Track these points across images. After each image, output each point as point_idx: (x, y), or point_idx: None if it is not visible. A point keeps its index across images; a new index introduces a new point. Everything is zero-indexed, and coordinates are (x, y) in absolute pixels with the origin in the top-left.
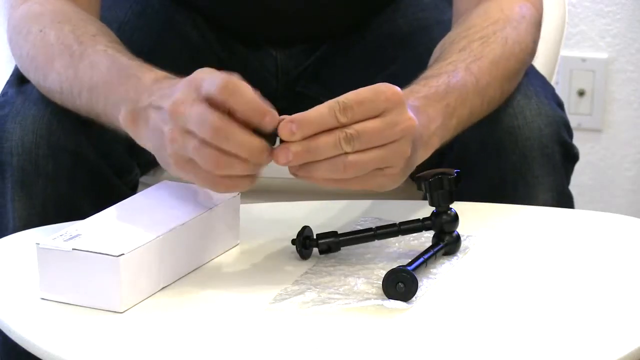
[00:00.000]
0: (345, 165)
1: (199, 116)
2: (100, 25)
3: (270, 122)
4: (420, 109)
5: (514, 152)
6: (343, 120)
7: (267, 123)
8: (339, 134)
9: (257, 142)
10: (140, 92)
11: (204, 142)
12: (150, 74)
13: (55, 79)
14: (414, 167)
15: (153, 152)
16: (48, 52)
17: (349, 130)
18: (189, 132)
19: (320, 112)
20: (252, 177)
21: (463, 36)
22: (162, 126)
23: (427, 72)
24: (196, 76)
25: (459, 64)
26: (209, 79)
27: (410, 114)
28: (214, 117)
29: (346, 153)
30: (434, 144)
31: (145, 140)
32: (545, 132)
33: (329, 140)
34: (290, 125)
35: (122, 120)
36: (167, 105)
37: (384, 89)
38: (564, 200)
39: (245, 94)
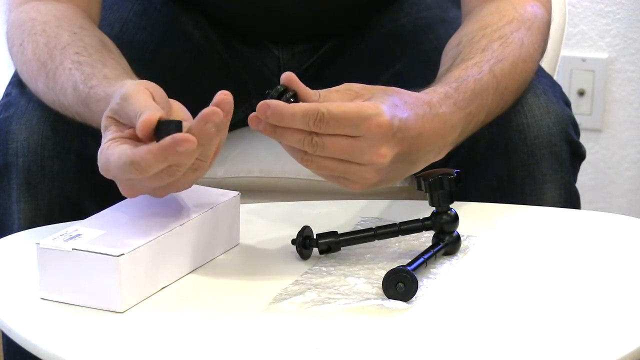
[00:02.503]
0: (304, 159)
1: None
2: (76, 30)
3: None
4: (447, 117)
5: (523, 149)
6: (314, 129)
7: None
8: (305, 137)
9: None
10: (97, 126)
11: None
12: (99, 105)
13: (44, 98)
14: (397, 180)
15: None
16: (29, 69)
17: (316, 138)
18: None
19: (294, 114)
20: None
21: (482, 35)
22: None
23: (456, 72)
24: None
25: (484, 65)
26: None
27: (385, 149)
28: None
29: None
30: (447, 150)
31: None
32: (553, 131)
33: (295, 137)
34: (266, 109)
35: None
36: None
37: (372, 116)
38: (571, 198)
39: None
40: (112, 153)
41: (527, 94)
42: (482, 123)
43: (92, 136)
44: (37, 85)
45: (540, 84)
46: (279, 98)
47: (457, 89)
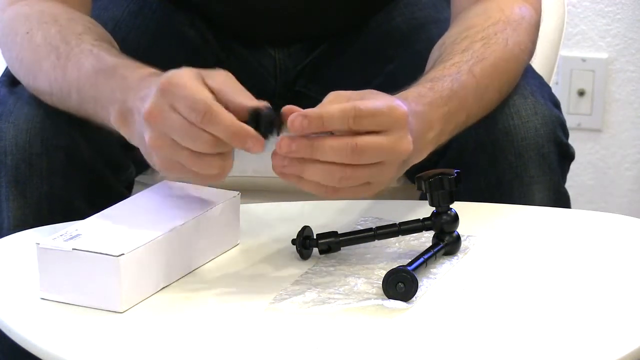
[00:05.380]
0: (342, 177)
1: (181, 129)
2: (87, 23)
3: (252, 146)
4: (424, 115)
5: (510, 152)
6: (354, 127)
7: (249, 148)
8: (348, 142)
9: (246, 131)
10: (126, 91)
11: (194, 152)
12: (135, 72)
13: (45, 80)
14: (390, 183)
15: (142, 152)
16: (35, 54)
17: (359, 142)
18: (174, 141)
19: (333, 114)
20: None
21: (464, 36)
22: (142, 132)
23: (432, 73)
24: (169, 87)
25: (462, 65)
26: (183, 98)
27: (410, 137)
28: (198, 131)
29: (344, 164)
30: (428, 150)
31: (134, 139)
32: (541, 132)
33: (335, 145)
34: (302, 119)
35: (113, 121)
36: (143, 111)
37: (397, 107)
38: (560, 199)
39: (223, 121)
40: (177, 120)
41: (514, 96)
42: (464, 123)
43: (80, 133)
44: (41, 67)
45: (528, 85)
46: (270, 125)
47: (432, 88)
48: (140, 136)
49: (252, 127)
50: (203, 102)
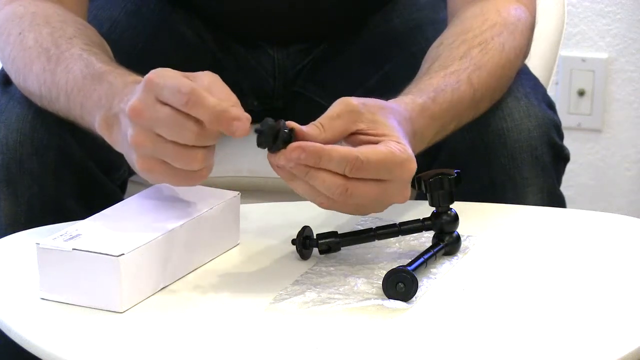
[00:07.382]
0: (325, 204)
1: (167, 119)
2: (79, 26)
3: (237, 129)
4: (420, 130)
5: (503, 154)
6: (350, 175)
7: (234, 131)
8: (339, 187)
9: (230, 113)
10: (112, 98)
11: (179, 145)
12: (121, 79)
13: (34, 82)
14: None
15: (125, 157)
16: (26, 56)
17: (350, 188)
18: (157, 136)
19: (332, 157)
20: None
21: (462, 40)
22: (126, 130)
23: (434, 81)
24: (152, 79)
25: (461, 74)
26: (168, 86)
27: (409, 191)
28: (184, 120)
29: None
30: None
31: (118, 146)
32: (534, 134)
33: (327, 181)
34: (300, 152)
35: (97, 128)
36: (126, 108)
37: (404, 161)
38: (555, 201)
39: (208, 103)
40: (164, 111)
41: (507, 98)
42: (452, 130)
43: (71, 134)
44: (31, 69)
45: (521, 87)
46: (275, 135)
47: (435, 99)
48: (125, 140)
49: (258, 138)
50: (188, 85)
